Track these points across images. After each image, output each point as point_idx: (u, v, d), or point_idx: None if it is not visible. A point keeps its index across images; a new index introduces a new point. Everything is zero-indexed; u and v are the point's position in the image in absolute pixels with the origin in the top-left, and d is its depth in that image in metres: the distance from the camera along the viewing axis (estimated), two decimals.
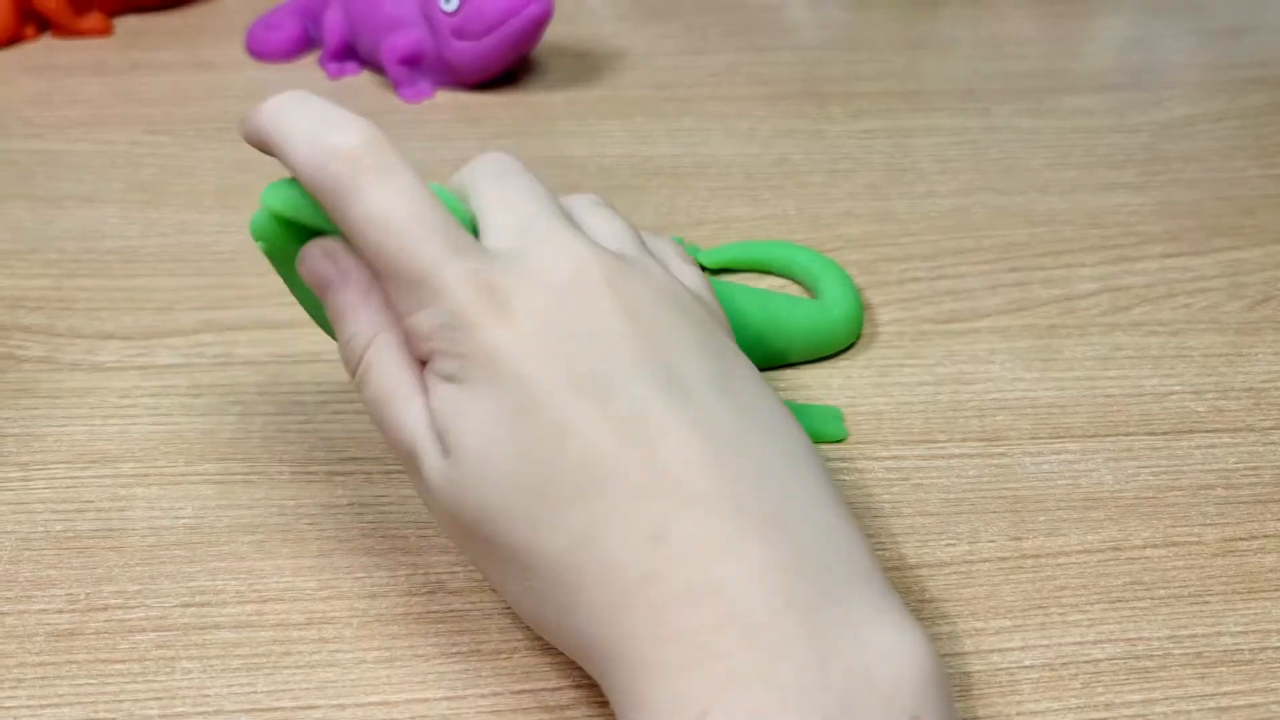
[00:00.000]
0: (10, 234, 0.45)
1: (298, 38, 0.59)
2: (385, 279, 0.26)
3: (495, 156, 0.29)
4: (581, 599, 0.23)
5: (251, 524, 0.32)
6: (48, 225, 0.45)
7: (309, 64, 0.59)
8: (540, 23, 0.53)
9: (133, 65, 0.58)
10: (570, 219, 0.28)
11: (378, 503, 0.33)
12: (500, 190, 0.28)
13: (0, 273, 0.42)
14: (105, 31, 0.61)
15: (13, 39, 0.60)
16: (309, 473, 0.34)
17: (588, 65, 0.58)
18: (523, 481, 0.24)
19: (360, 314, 0.27)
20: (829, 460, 0.34)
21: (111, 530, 0.32)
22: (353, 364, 0.27)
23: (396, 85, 0.55)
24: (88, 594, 0.30)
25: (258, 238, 0.28)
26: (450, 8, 0.52)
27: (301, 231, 0.28)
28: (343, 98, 0.55)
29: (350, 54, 0.58)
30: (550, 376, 0.24)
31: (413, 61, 0.55)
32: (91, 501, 0.33)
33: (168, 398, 0.36)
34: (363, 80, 0.57)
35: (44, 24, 0.61)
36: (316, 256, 0.28)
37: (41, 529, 0.32)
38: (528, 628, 0.29)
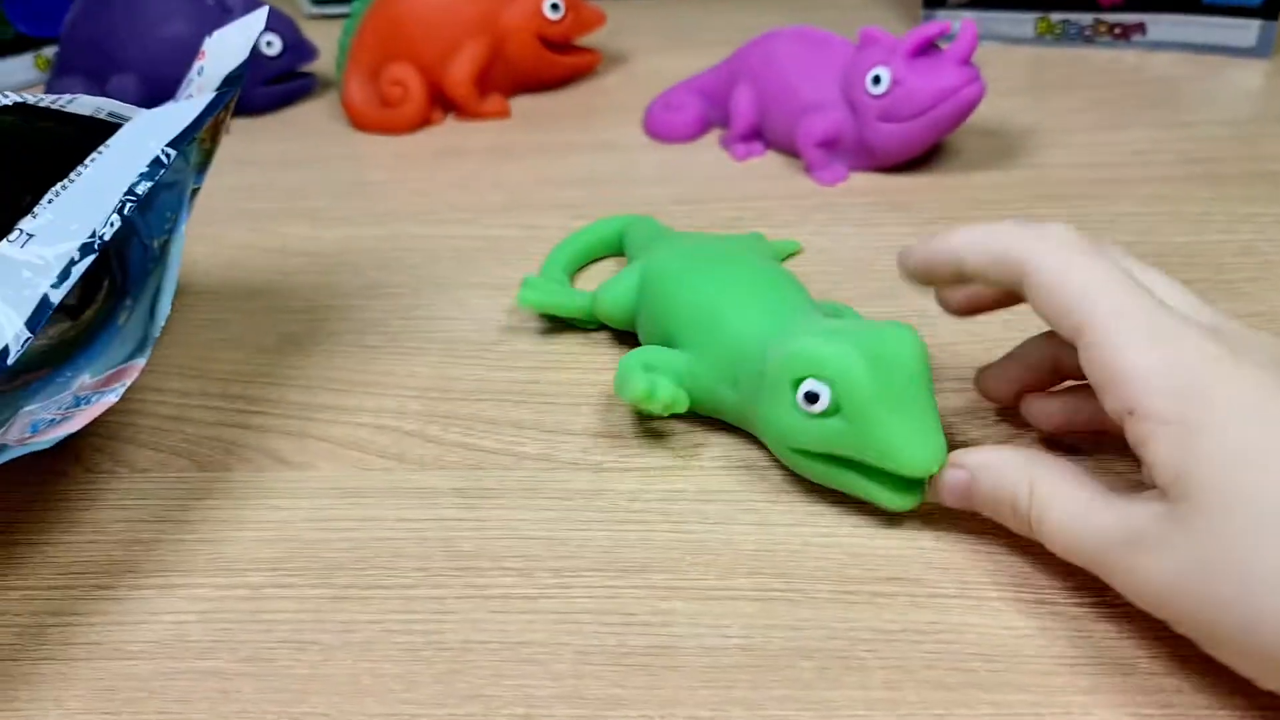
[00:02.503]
0: (469, 321, 0.45)
1: (699, 119, 0.59)
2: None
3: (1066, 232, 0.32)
4: None
5: (805, 648, 0.31)
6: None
7: (710, 143, 0.59)
8: (974, 105, 0.51)
9: (539, 147, 0.60)
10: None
11: (932, 629, 0.31)
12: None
13: (471, 364, 0.43)
14: (505, 114, 0.63)
15: (424, 123, 0.62)
16: (848, 592, 0.32)
17: (1000, 143, 0.56)
18: None
19: None
20: None
21: (663, 648, 0.31)
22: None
23: (812, 167, 0.54)
24: (661, 716, 0.29)
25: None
26: (879, 90, 0.51)
27: None
28: (752, 180, 0.55)
29: (755, 134, 0.57)
30: None
31: (830, 144, 0.54)
32: (634, 615, 0.32)
33: (677, 503, 0.36)
34: (769, 161, 0.56)
35: (448, 106, 0.63)
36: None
37: (595, 643, 0.31)
38: None
